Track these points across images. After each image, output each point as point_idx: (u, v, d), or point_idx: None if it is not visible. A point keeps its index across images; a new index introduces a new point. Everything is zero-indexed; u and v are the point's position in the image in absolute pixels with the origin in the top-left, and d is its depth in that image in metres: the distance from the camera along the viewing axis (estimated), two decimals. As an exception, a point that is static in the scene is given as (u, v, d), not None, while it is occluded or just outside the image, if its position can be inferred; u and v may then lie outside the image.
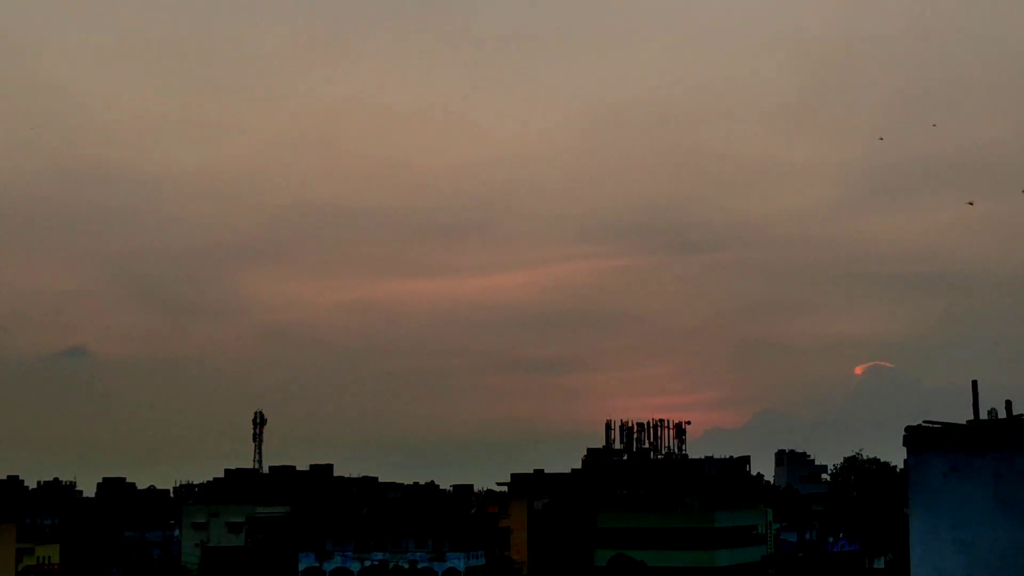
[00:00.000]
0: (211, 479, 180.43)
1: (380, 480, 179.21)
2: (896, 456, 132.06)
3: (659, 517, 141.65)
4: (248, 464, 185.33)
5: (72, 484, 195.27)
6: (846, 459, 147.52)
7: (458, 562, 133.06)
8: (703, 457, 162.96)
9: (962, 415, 19.12)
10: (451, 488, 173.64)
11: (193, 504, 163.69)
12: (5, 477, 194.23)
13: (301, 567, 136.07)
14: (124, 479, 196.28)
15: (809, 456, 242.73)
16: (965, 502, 18.35)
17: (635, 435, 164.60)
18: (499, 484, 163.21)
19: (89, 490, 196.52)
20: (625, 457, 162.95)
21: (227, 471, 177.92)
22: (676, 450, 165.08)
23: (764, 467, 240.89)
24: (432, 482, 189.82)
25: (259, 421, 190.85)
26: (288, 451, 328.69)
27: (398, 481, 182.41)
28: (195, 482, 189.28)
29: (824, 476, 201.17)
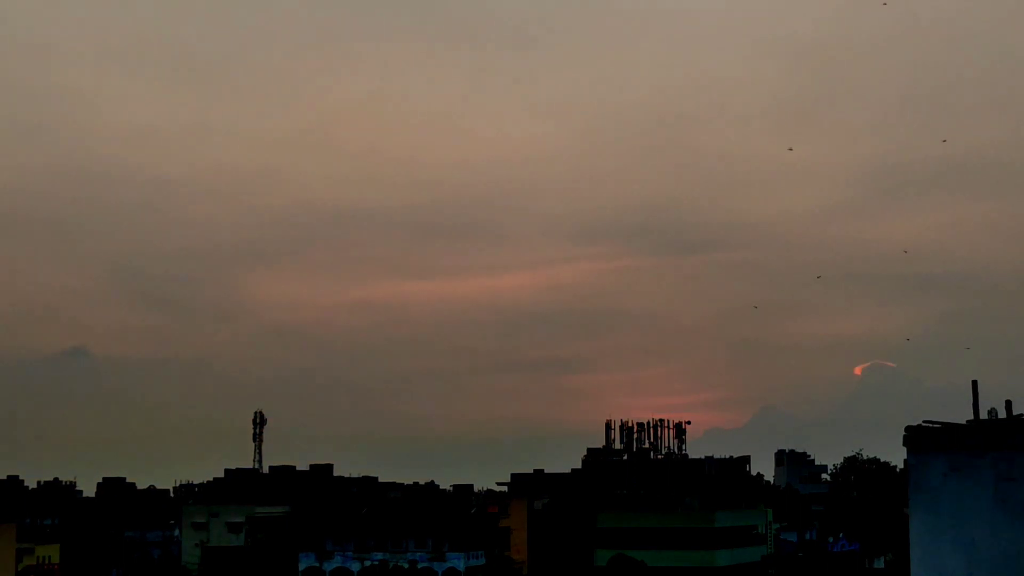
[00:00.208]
0: (211, 479, 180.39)
1: (380, 480, 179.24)
2: (896, 456, 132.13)
3: (659, 517, 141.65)
4: (248, 464, 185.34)
5: (72, 484, 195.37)
6: (846, 459, 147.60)
7: (458, 562, 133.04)
8: (703, 457, 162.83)
9: (962, 415, 19.12)
10: (451, 488, 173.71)
11: (193, 504, 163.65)
12: (5, 477, 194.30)
13: (301, 567, 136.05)
14: (124, 479, 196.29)
15: (809, 456, 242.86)
16: (965, 502, 18.35)
17: (635, 435, 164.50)
18: (499, 484, 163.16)
19: (89, 490, 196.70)
20: (625, 457, 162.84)
21: (227, 471, 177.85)
22: (676, 450, 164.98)
23: (764, 467, 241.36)
24: (432, 482, 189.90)
25: (259, 421, 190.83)
26: (288, 451, 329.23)
27: (398, 481, 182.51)
28: (195, 482, 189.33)
29: (824, 476, 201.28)
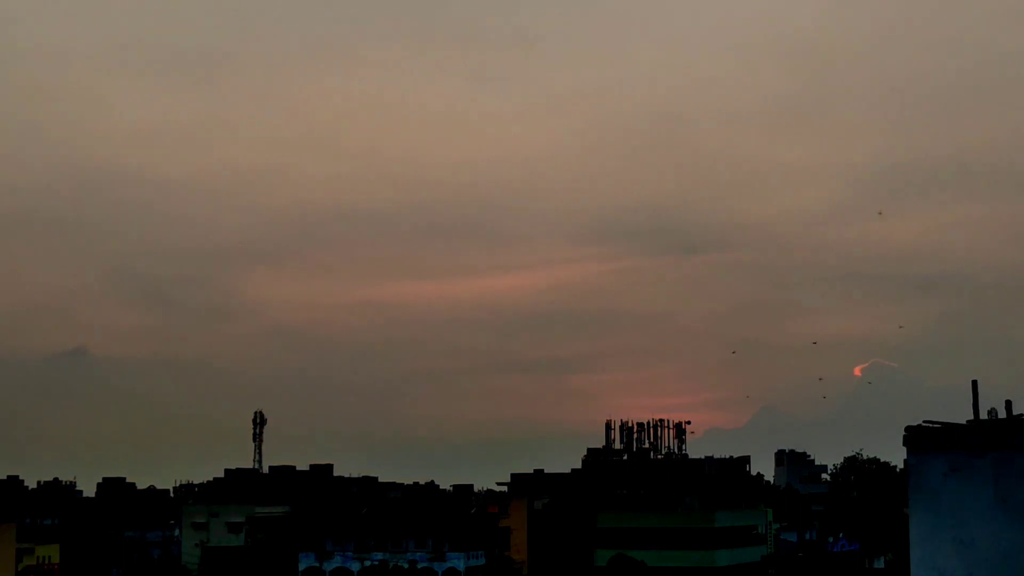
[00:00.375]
0: (211, 479, 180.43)
1: (380, 480, 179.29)
2: (896, 456, 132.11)
3: (659, 517, 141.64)
4: (248, 464, 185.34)
5: (72, 484, 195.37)
6: (846, 459, 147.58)
7: (458, 562, 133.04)
8: (703, 457, 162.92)
9: (962, 415, 19.12)
10: (451, 488, 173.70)
11: (193, 504, 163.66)
12: (5, 477, 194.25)
13: (301, 567, 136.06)
14: (124, 479, 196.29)
15: (809, 456, 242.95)
16: (965, 502, 18.34)
17: (635, 435, 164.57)
18: (499, 484, 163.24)
19: (89, 490, 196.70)
20: (625, 457, 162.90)
21: (227, 471, 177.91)
22: (676, 450, 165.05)
23: (764, 467, 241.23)
24: (432, 482, 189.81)
25: (259, 421, 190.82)
26: (288, 451, 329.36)
27: (398, 481, 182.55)
28: (195, 482, 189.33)
29: (824, 476, 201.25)
